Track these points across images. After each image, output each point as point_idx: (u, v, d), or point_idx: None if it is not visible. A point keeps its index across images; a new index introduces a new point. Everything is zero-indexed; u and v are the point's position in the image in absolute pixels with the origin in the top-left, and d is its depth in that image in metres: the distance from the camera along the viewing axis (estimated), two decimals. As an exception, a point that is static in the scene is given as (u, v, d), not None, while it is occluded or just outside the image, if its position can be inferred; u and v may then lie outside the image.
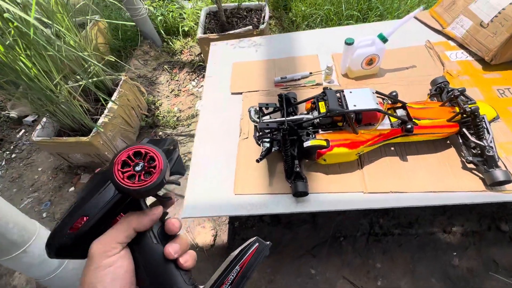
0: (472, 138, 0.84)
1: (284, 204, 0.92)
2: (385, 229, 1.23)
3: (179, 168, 0.35)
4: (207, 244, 1.33)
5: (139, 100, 1.83)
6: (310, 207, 0.90)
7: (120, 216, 0.31)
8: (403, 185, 0.89)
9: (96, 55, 1.57)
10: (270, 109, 0.98)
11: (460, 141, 0.89)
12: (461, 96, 0.90)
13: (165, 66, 2.19)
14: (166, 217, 0.34)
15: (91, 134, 1.43)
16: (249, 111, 1.00)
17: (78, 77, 1.32)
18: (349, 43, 1.09)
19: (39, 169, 1.78)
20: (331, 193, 0.92)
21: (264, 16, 1.92)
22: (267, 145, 0.94)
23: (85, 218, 0.28)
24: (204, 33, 1.93)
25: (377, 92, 0.87)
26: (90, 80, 1.36)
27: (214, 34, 1.86)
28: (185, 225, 1.41)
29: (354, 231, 1.25)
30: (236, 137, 1.11)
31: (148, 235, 0.31)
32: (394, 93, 0.92)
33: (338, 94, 0.87)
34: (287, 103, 0.93)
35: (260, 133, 0.93)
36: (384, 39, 1.08)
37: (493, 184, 0.82)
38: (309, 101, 0.98)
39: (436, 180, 0.88)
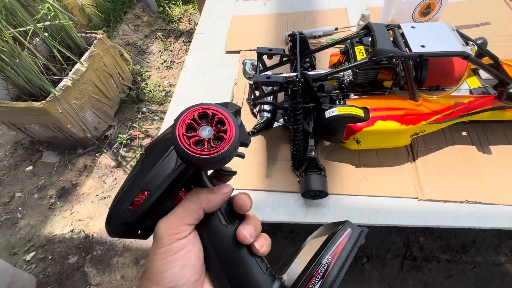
0: None
1: (287, 209, 0.58)
2: (427, 252, 0.88)
3: (244, 138, 0.25)
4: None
5: (121, 67, 1.51)
6: (329, 216, 0.56)
7: (183, 193, 0.26)
8: (486, 193, 0.54)
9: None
10: (275, 62, 0.63)
11: None
12: None
13: (158, 34, 1.87)
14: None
15: (46, 99, 1.12)
16: (244, 64, 0.66)
17: (26, 22, 1.01)
18: (399, -23, 0.74)
19: (-2, 142, 1.49)
20: (364, 196, 0.57)
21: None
22: (267, 115, 0.61)
23: (146, 192, 0.24)
24: (205, -8, 1.59)
25: (458, 33, 0.52)
26: (40, 25, 1.04)
27: (215, -8, 1.52)
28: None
29: (383, 251, 0.90)
30: (225, 107, 0.78)
31: (216, 216, 0.25)
32: (481, 41, 0.56)
33: (390, 32, 0.52)
34: (302, 47, 0.58)
35: (258, 95, 0.59)
36: (453, -27, 0.72)
37: None
38: (336, 53, 0.64)
39: (545, 188, 0.53)
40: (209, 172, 0.29)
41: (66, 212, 1.20)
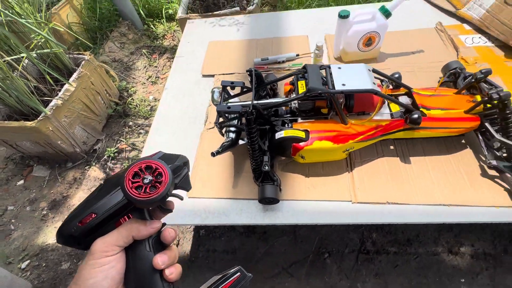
0: (498, 136, 0.64)
1: (248, 213, 0.71)
2: (378, 246, 1.02)
3: (185, 184, 0.36)
4: (166, 254, 1.11)
5: (107, 84, 1.62)
6: (281, 218, 0.69)
7: (124, 219, 0.33)
8: (404, 195, 0.68)
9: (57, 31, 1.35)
10: (238, 91, 0.77)
11: (481, 139, 0.68)
12: (483, 83, 0.69)
13: (143, 51, 1.98)
14: (163, 227, 0.34)
15: (38, 119, 1.21)
16: (212, 92, 0.78)
17: (20, 50, 1.10)
18: (343, 16, 0.89)
19: (-12, 158, 1.56)
20: (310, 201, 0.71)
21: (254, -2, 1.71)
22: (232, 135, 0.73)
23: (93, 215, 0.31)
24: (186, 13, 1.72)
25: (374, 71, 0.66)
26: (33, 53, 1.14)
27: (195, 14, 1.65)
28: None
29: (342, 247, 1.04)
30: (200, 127, 0.90)
31: (143, 243, 0.32)
32: (397, 75, 0.71)
33: (323, 71, 0.66)
34: (257, 82, 0.72)
35: (223, 120, 0.72)
36: (386, 13, 0.87)
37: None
38: (288, 83, 0.77)
39: (447, 190, 0.67)
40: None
41: (58, 222, 1.29)
